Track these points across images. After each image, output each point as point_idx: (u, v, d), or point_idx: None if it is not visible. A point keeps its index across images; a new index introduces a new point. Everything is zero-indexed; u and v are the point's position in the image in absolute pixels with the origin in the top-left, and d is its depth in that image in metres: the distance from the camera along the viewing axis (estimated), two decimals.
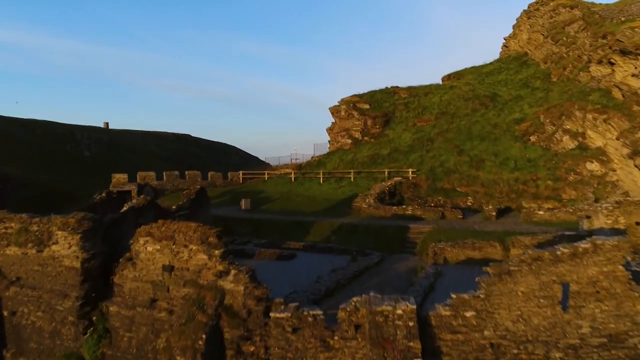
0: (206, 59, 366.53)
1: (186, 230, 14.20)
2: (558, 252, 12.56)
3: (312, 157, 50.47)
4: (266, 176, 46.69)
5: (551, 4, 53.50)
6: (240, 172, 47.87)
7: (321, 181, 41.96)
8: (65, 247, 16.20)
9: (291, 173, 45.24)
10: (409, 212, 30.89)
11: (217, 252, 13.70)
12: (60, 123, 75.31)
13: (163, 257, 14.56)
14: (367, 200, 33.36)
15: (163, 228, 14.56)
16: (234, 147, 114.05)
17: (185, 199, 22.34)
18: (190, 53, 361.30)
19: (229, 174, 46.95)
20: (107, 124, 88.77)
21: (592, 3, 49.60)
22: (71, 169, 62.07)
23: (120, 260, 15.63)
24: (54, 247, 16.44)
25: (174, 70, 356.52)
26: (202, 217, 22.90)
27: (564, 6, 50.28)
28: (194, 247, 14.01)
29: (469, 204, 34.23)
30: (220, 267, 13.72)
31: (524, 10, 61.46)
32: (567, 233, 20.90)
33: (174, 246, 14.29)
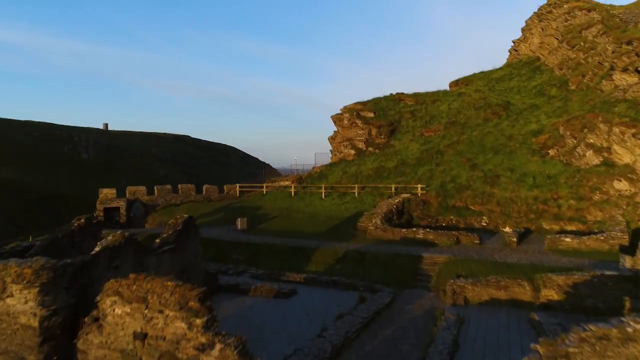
0: (206, 59, 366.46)
1: (161, 291, 11.52)
2: (629, 329, 9.80)
3: (313, 168, 47.74)
4: (264, 189, 43.97)
5: (565, 6, 50.66)
6: (237, 185, 45.17)
7: (323, 196, 39.23)
8: (21, 302, 13.53)
9: (291, 186, 42.55)
10: (420, 235, 28.19)
11: (198, 320, 11.02)
12: (58, 125, 73.81)
13: (134, 322, 11.90)
14: (373, 221, 30.70)
15: (134, 287, 11.89)
16: (233, 147, 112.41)
17: (171, 230, 19.65)
18: (190, 53, 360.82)
19: (225, 187, 44.24)
20: (106, 124, 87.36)
21: (611, 5, 46.71)
22: (69, 171, 60.23)
23: (86, 319, 12.96)
24: (8, 301, 13.78)
25: (174, 70, 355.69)
26: (190, 250, 20.31)
27: (579, 9, 47.42)
28: (171, 314, 11.33)
29: (484, 224, 31.65)
30: (202, 339, 11.03)
31: (534, 13, 58.58)
32: (607, 273, 18.27)
33: (146, 311, 11.63)
